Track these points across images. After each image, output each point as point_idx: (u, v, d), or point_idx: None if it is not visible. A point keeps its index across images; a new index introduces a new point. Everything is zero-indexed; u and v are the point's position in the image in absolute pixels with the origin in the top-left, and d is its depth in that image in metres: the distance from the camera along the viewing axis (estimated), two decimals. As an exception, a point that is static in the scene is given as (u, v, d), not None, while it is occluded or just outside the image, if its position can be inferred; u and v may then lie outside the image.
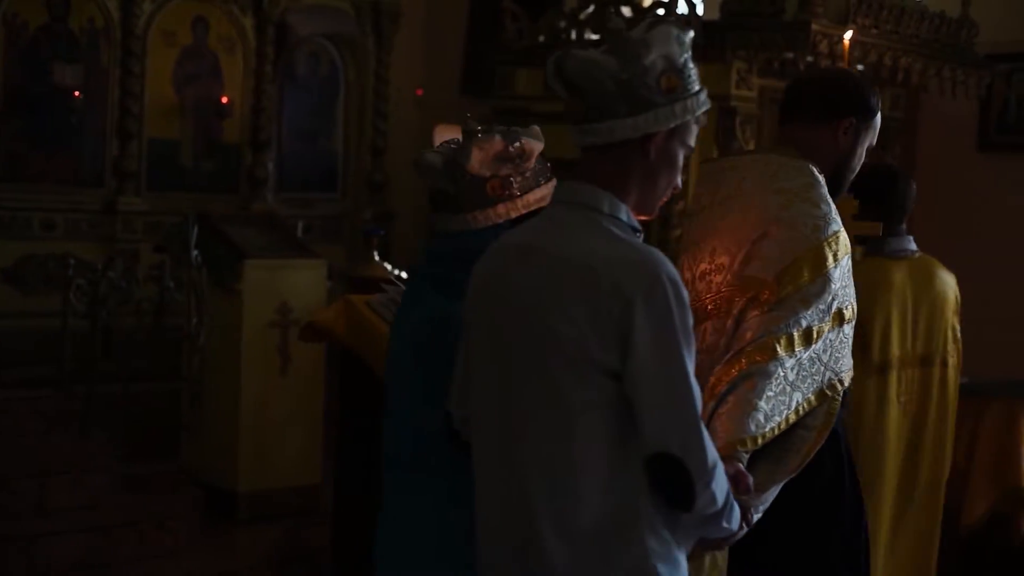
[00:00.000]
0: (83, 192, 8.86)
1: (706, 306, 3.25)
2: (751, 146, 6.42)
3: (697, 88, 2.65)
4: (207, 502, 6.93)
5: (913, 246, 4.62)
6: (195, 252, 6.55)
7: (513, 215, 3.01)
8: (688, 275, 3.31)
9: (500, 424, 2.57)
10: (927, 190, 7.75)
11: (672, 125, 2.62)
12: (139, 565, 6.07)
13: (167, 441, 7.22)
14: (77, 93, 8.72)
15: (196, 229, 6.56)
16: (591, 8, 6.84)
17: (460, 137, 3.06)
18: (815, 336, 3.12)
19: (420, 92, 10.70)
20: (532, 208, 3.01)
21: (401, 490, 3.03)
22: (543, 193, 3.03)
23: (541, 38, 7.04)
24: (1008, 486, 5.81)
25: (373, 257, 7.18)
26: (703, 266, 3.31)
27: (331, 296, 6.95)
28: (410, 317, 3.06)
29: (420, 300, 3.03)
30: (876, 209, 4.26)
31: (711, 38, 6.31)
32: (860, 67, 6.52)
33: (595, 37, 6.83)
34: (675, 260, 2.99)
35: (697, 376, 2.54)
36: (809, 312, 3.12)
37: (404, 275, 7.30)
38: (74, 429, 6.69)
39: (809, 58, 6.08)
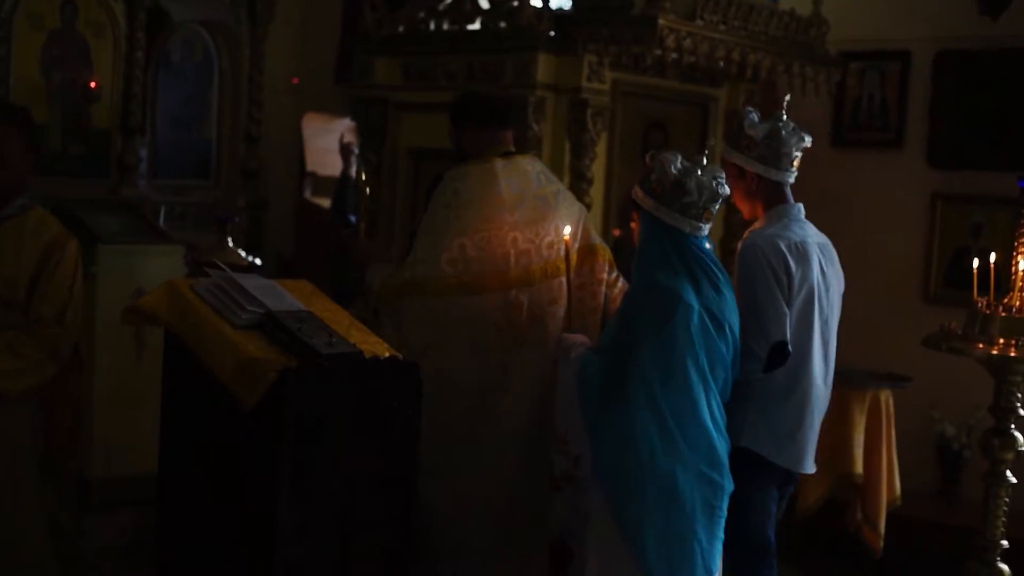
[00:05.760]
0: (-55, 176, 8.72)
1: (556, 263, 4.73)
2: (602, 139, 6.53)
3: None
4: (59, 488, 6.89)
5: None
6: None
7: None
8: (531, 245, 4.72)
9: (820, 337, 4.62)
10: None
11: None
12: (-16, 551, 6.01)
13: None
14: (-62, 76, 8.58)
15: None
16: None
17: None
18: None
19: (296, 81, 10.67)
20: None
21: None
22: None
23: (401, 28, 7.07)
24: (842, 472, 5.97)
25: (227, 243, 7.17)
26: (549, 238, 4.75)
27: (189, 283, 6.93)
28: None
29: None
30: None
31: (563, 31, 6.40)
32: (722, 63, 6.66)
33: (454, 27, 6.89)
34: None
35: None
36: None
37: (258, 262, 7.33)
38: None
39: (657, 51, 6.18)
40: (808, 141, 4.71)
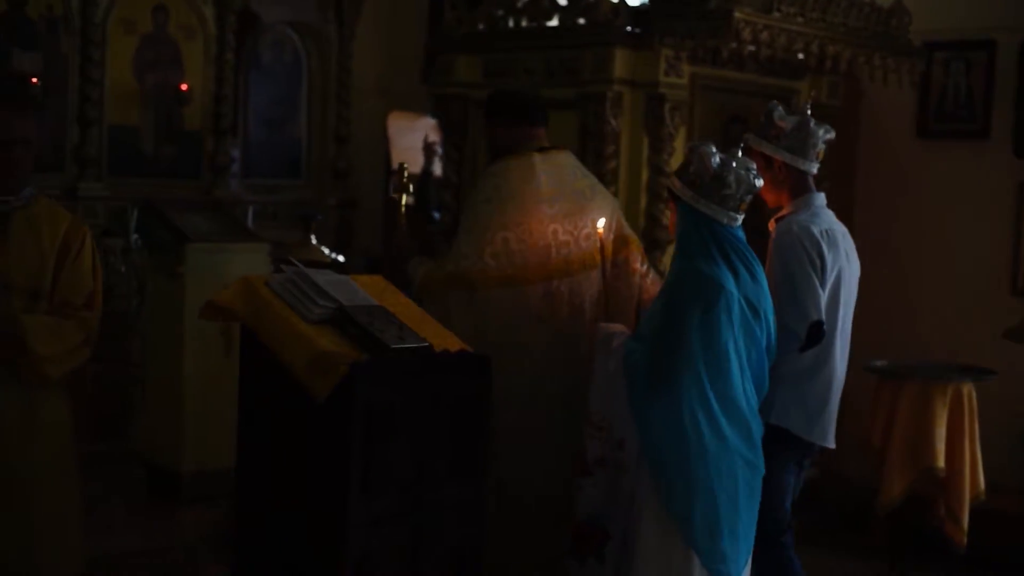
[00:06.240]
0: (44, 178, 8.91)
1: (593, 254, 4.88)
2: (681, 133, 6.54)
3: None
4: (150, 481, 7.07)
5: None
6: (135, 236, 6.65)
7: None
8: (570, 237, 4.89)
9: (843, 320, 4.86)
10: (868, 176, 7.88)
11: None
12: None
13: (115, 422, 7.35)
14: (34, 80, 8.80)
15: (136, 213, 6.65)
16: (527, -4, 6.95)
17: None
18: None
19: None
20: None
21: None
22: None
23: (480, 26, 7.13)
24: (924, 466, 5.91)
25: (310, 240, 7.29)
26: (587, 230, 4.91)
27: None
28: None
29: None
30: None
31: (640, 25, 6.42)
32: (801, 55, 6.63)
33: (532, 24, 6.93)
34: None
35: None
36: None
37: (341, 259, 7.43)
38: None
39: (733, 45, 6.17)
40: (832, 134, 4.95)
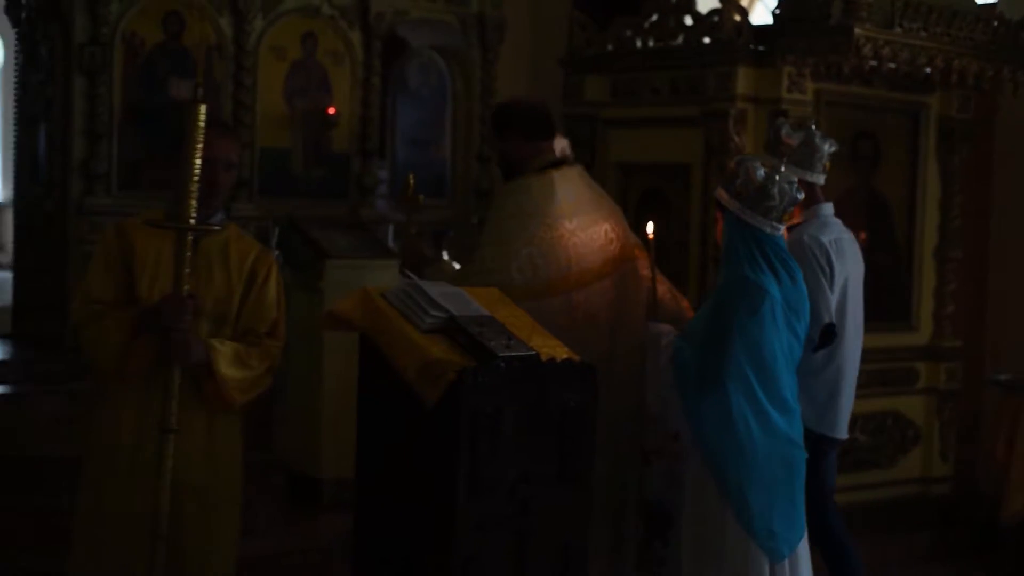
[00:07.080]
0: (199, 199, 9.30)
1: (604, 265, 5.11)
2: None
3: None
4: (292, 488, 7.35)
5: None
6: (276, 252, 6.94)
7: None
8: (587, 249, 5.08)
9: (853, 320, 5.41)
10: (1004, 191, 7.81)
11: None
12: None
13: (260, 430, 7.65)
14: (190, 105, 9.18)
15: (277, 230, 6.94)
16: (654, 17, 7.08)
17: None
18: None
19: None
20: None
21: None
22: None
23: (608, 46, 7.29)
24: (1044, 480, 5.89)
25: (442, 256, 7.51)
26: (601, 241, 5.13)
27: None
28: None
29: None
30: None
31: (763, 43, 6.51)
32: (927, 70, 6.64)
33: (658, 44, 7.07)
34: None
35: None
36: None
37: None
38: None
39: (854, 60, 6.22)
40: (836, 147, 5.36)
